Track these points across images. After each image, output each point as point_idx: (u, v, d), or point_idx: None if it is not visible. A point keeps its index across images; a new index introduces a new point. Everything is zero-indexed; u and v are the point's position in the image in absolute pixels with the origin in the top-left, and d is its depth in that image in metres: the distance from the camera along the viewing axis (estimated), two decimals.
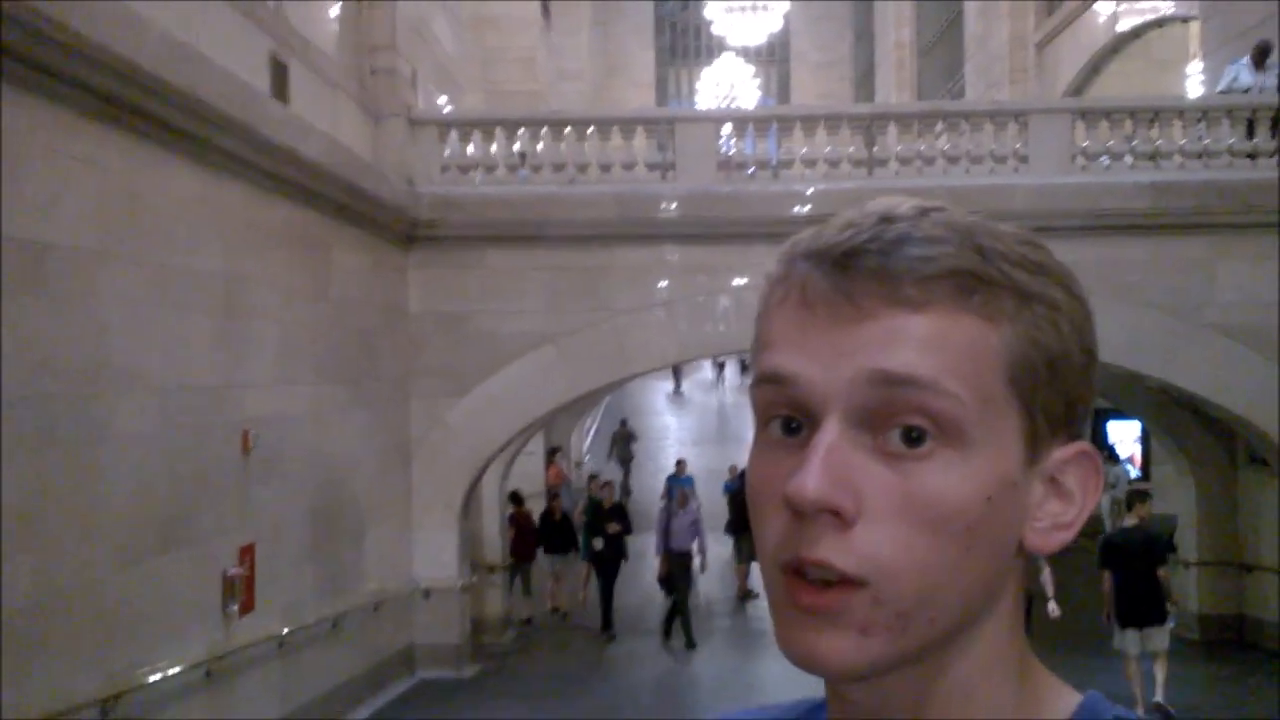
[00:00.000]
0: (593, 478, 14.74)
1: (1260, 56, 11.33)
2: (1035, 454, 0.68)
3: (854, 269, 0.66)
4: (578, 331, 11.23)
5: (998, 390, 0.66)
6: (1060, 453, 0.69)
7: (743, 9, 32.08)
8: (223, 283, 7.45)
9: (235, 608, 7.31)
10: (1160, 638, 9.16)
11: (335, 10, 10.64)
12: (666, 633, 12.69)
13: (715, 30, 34.62)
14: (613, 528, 13.21)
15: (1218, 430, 12.20)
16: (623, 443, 23.26)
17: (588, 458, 24.94)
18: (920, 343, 0.65)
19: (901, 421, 0.65)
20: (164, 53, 6.24)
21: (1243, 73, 11.39)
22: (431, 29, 14.31)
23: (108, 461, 5.98)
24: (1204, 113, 11.34)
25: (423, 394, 11.10)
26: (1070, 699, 0.71)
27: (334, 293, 9.41)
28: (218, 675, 7.03)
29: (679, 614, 12.51)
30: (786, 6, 33.48)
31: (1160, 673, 9.21)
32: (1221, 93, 11.52)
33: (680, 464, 17.91)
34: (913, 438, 0.64)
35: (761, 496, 0.69)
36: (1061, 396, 0.69)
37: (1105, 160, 11.28)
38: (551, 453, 20.01)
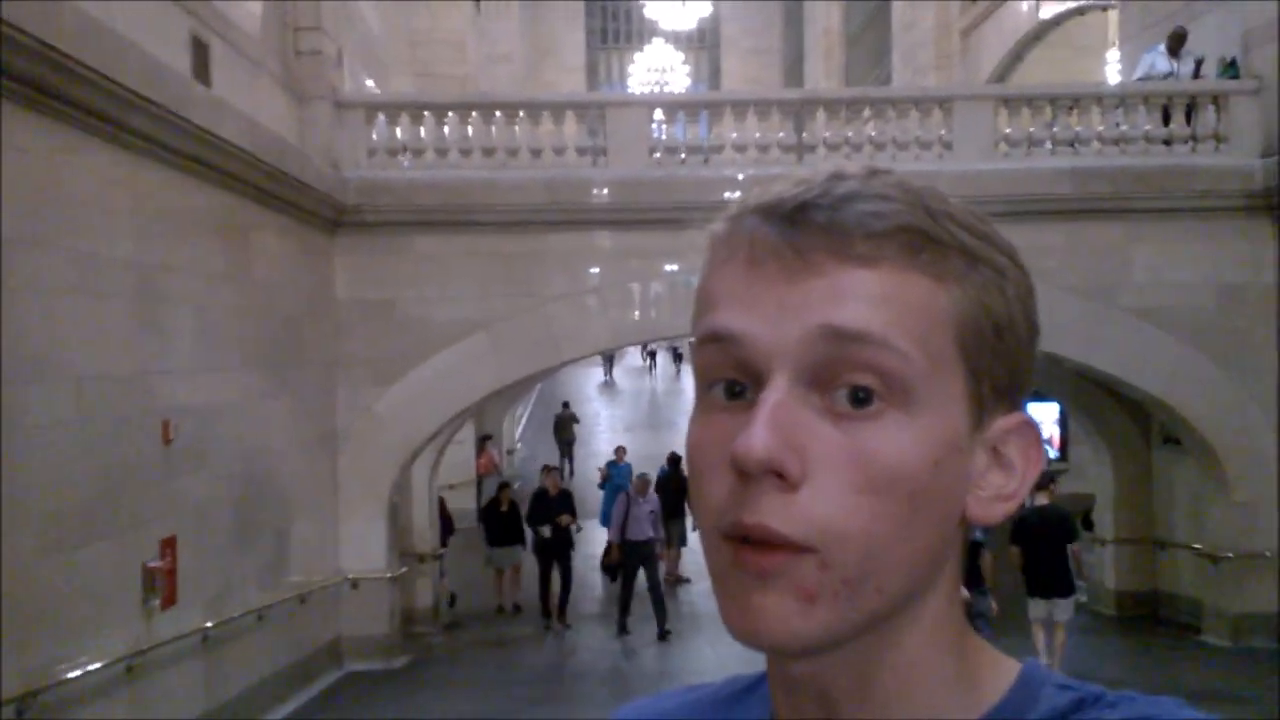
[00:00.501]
0: (548, 469, 14.17)
1: (1175, 44, 11.62)
2: (980, 421, 0.67)
3: (804, 223, 0.65)
4: (508, 318, 11.15)
5: (946, 351, 0.65)
6: (1003, 422, 0.68)
7: None
8: (142, 268, 7.26)
9: (157, 601, 7.14)
10: (1064, 609, 9.81)
11: None
12: (623, 625, 12.40)
13: (646, 15, 34.59)
14: (565, 519, 13.01)
15: (1133, 411, 12.53)
16: (565, 426, 23.50)
17: (519, 445, 24.86)
18: (871, 299, 0.63)
19: (849, 380, 0.63)
20: (79, 32, 6.05)
21: (1159, 60, 11.67)
22: (358, 9, 14.06)
23: (22, 452, 5.79)
24: (1121, 99, 11.61)
25: (350, 382, 10.94)
26: (1010, 667, 0.71)
27: (257, 279, 9.22)
28: (139, 671, 6.86)
29: (656, 604, 12.18)
30: None
31: (1059, 641, 9.80)
32: (1139, 79, 11.80)
33: (620, 451, 17.88)
34: (859, 398, 0.63)
35: (703, 462, 0.67)
36: (1006, 364, 0.68)
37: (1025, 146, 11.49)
38: (482, 441, 19.91)
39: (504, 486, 14.37)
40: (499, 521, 13.73)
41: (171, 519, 7.47)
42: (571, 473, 22.08)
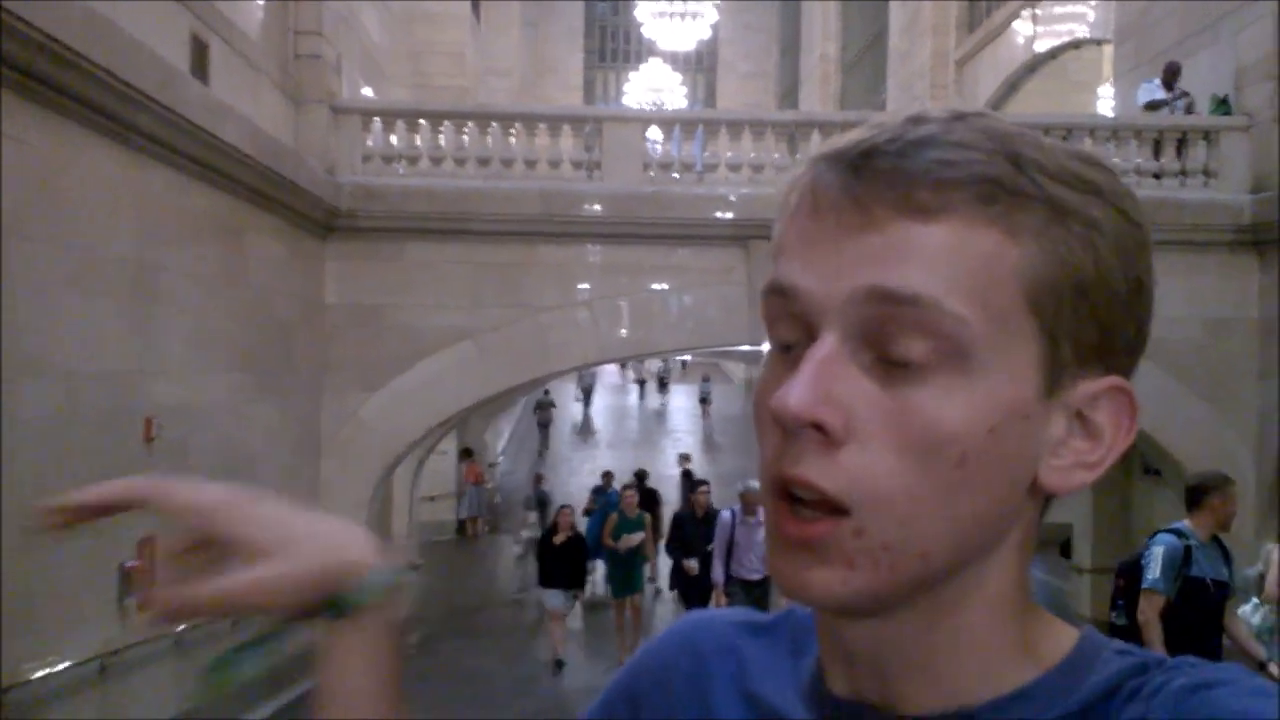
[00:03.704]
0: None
1: (1170, 78, 11.75)
2: (1057, 385, 0.63)
3: (866, 171, 0.61)
4: (497, 328, 11.15)
5: (1014, 311, 0.61)
6: (1090, 386, 0.64)
7: (672, 15, 32.24)
8: (136, 267, 7.23)
9: (133, 601, 7.09)
10: None
11: None
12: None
13: (645, 35, 34.73)
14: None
15: None
16: (543, 409, 25.87)
17: (501, 458, 24.81)
18: (928, 257, 0.60)
19: (897, 339, 0.60)
20: (84, 26, 6.05)
21: (1155, 93, 11.81)
22: (359, 18, 14.10)
23: (9, 447, 5.75)
24: (1114, 131, 11.70)
25: (336, 387, 10.91)
26: (1069, 634, 0.69)
27: (249, 281, 9.20)
28: (112, 670, 6.80)
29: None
30: (716, 16, 33.73)
31: None
32: (1144, 105, 11.90)
33: (607, 476, 17.07)
34: (909, 358, 0.61)
35: (758, 416, 0.65)
36: (1095, 324, 0.63)
37: None
38: (465, 453, 19.87)
39: (564, 510, 12.26)
40: (558, 555, 11.73)
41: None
42: (546, 448, 25.47)
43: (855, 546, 0.61)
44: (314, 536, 0.75)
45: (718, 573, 9.74)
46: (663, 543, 12.54)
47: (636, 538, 11.76)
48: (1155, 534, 5.79)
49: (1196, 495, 5.76)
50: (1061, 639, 0.69)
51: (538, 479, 18.07)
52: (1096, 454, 0.65)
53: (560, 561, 11.63)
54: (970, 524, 0.63)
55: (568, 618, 12.05)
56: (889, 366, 0.61)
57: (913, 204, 0.60)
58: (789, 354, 0.64)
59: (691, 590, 10.59)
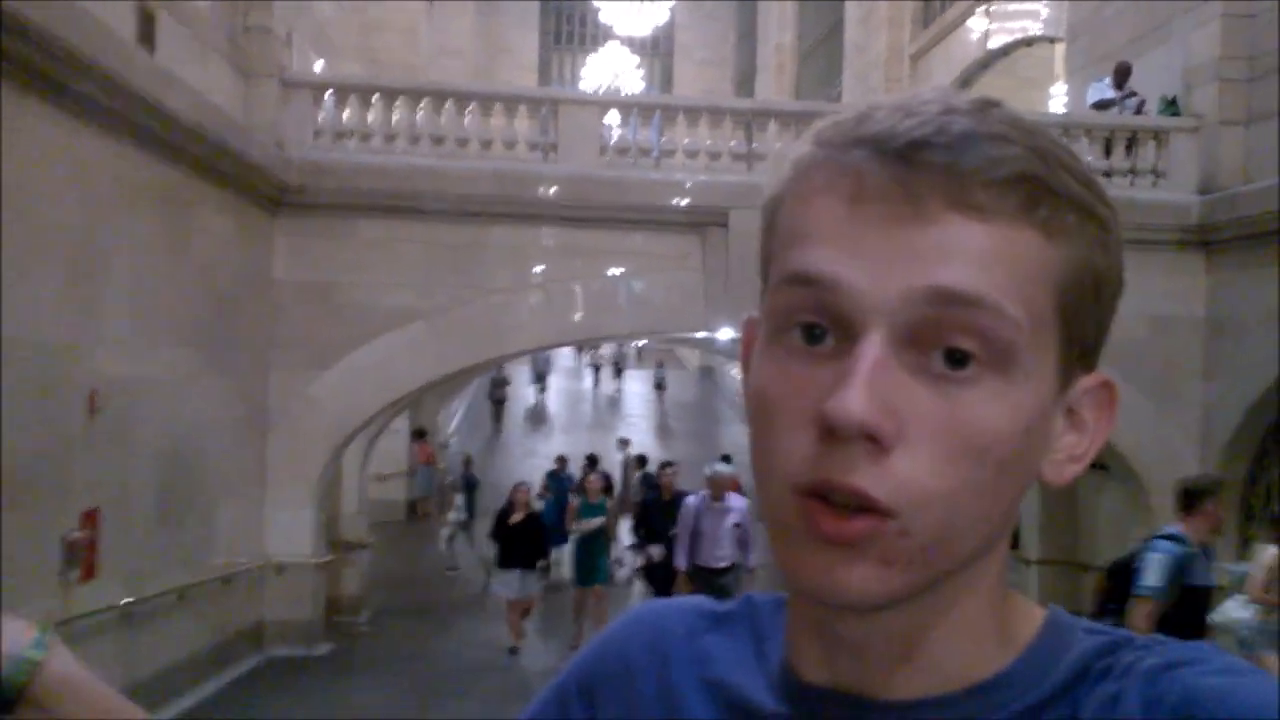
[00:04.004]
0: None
1: (1121, 78, 11.91)
2: (1066, 383, 0.64)
3: (919, 163, 0.59)
4: (449, 309, 11.06)
5: (1047, 313, 0.61)
6: (1084, 382, 0.66)
7: None
8: (79, 236, 7.08)
9: (75, 574, 6.97)
10: None
11: None
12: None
13: (602, 18, 34.58)
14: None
15: None
16: (498, 386, 26.43)
17: (454, 439, 24.69)
18: (983, 257, 0.59)
19: (949, 341, 0.59)
20: None
21: (1105, 93, 11.97)
22: None
23: None
24: (1065, 129, 11.84)
25: (284, 365, 10.76)
26: (1035, 612, 0.70)
27: (194, 254, 9.04)
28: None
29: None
30: (672, 1, 33.66)
31: None
32: (1093, 104, 12.06)
33: (560, 460, 17.08)
34: (956, 359, 0.59)
35: (777, 411, 0.62)
36: (1097, 323, 0.65)
37: None
38: (417, 434, 19.76)
39: (520, 488, 12.03)
40: (510, 536, 11.43)
41: (95, 492, 7.29)
42: (500, 429, 26.21)
43: (898, 546, 0.60)
44: None
45: (680, 559, 9.36)
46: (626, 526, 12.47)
47: (595, 522, 11.65)
48: (1152, 538, 5.54)
49: (1191, 500, 5.60)
50: (1031, 618, 0.69)
51: (466, 461, 17.94)
52: (1082, 446, 0.67)
53: (517, 541, 11.33)
54: (997, 520, 0.63)
55: (530, 607, 11.58)
56: (935, 368, 0.60)
57: (968, 201, 0.59)
58: (815, 348, 0.62)
59: (655, 577, 10.33)
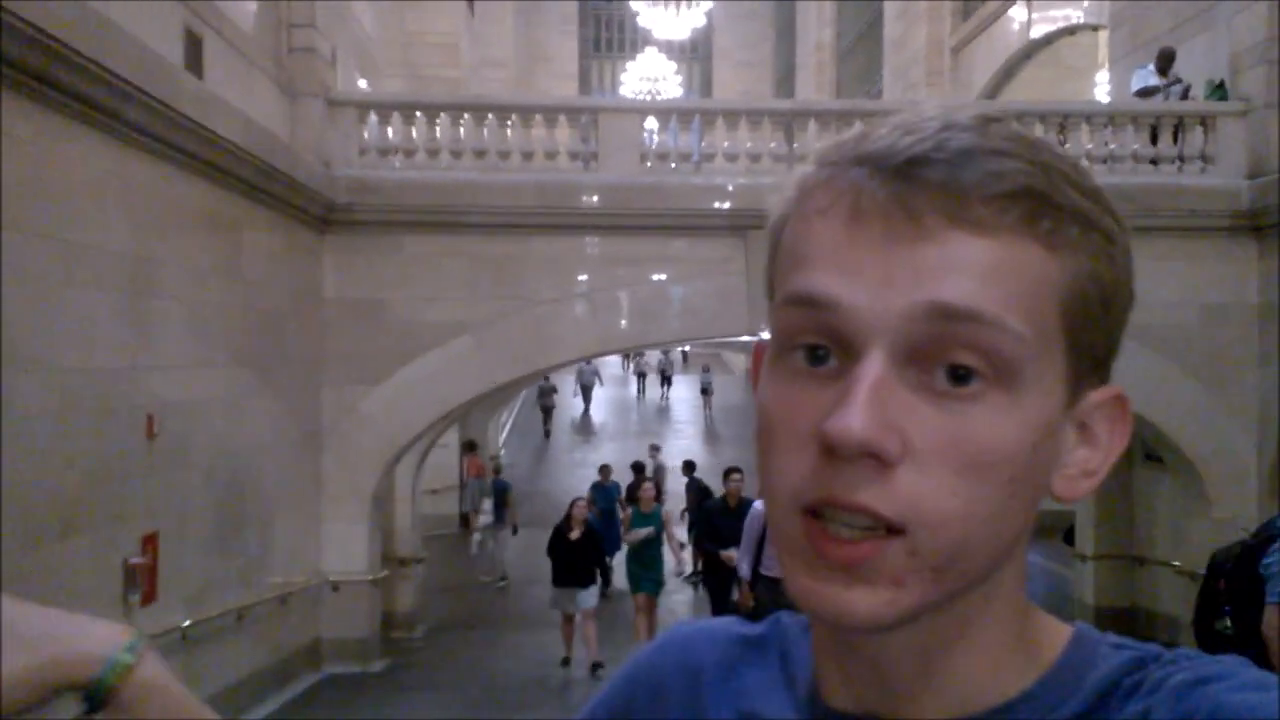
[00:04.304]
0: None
1: (1164, 64, 11.72)
2: (1075, 397, 0.64)
3: (917, 180, 0.59)
4: (495, 321, 11.13)
5: (1051, 327, 0.61)
6: (1095, 396, 0.65)
7: (667, 3, 32.12)
8: (131, 261, 7.21)
9: (137, 597, 7.09)
10: None
11: None
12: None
13: (640, 24, 34.61)
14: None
15: None
16: (546, 394, 26.69)
17: (503, 451, 24.82)
18: (985, 272, 0.59)
19: (952, 358, 0.59)
20: (76, 19, 6.02)
21: (1149, 79, 11.79)
22: (352, 9, 14.06)
23: (7, 443, 5.74)
24: (1110, 118, 11.68)
25: (335, 381, 10.89)
26: (1062, 629, 0.69)
27: (246, 275, 9.18)
28: None
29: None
30: (710, 3, 33.62)
31: None
32: (1137, 92, 11.87)
33: (604, 470, 16.36)
34: (959, 376, 0.59)
35: (780, 430, 0.62)
36: (1106, 336, 0.64)
37: None
38: (467, 446, 19.86)
39: (578, 503, 11.53)
40: (568, 550, 11.04)
41: (154, 515, 7.42)
42: (549, 436, 26.60)
43: (907, 566, 0.60)
44: (46, 632, 0.75)
45: (744, 568, 9.03)
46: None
47: (643, 532, 11.43)
48: (1275, 530, 4.76)
49: None
50: (1056, 634, 0.69)
51: (496, 468, 17.91)
52: (1095, 461, 0.66)
53: (575, 558, 11.04)
54: (1009, 537, 0.63)
55: (590, 619, 11.14)
56: (938, 385, 0.60)
57: (968, 217, 0.59)
58: (818, 369, 0.62)
59: (720, 585, 10.11)
